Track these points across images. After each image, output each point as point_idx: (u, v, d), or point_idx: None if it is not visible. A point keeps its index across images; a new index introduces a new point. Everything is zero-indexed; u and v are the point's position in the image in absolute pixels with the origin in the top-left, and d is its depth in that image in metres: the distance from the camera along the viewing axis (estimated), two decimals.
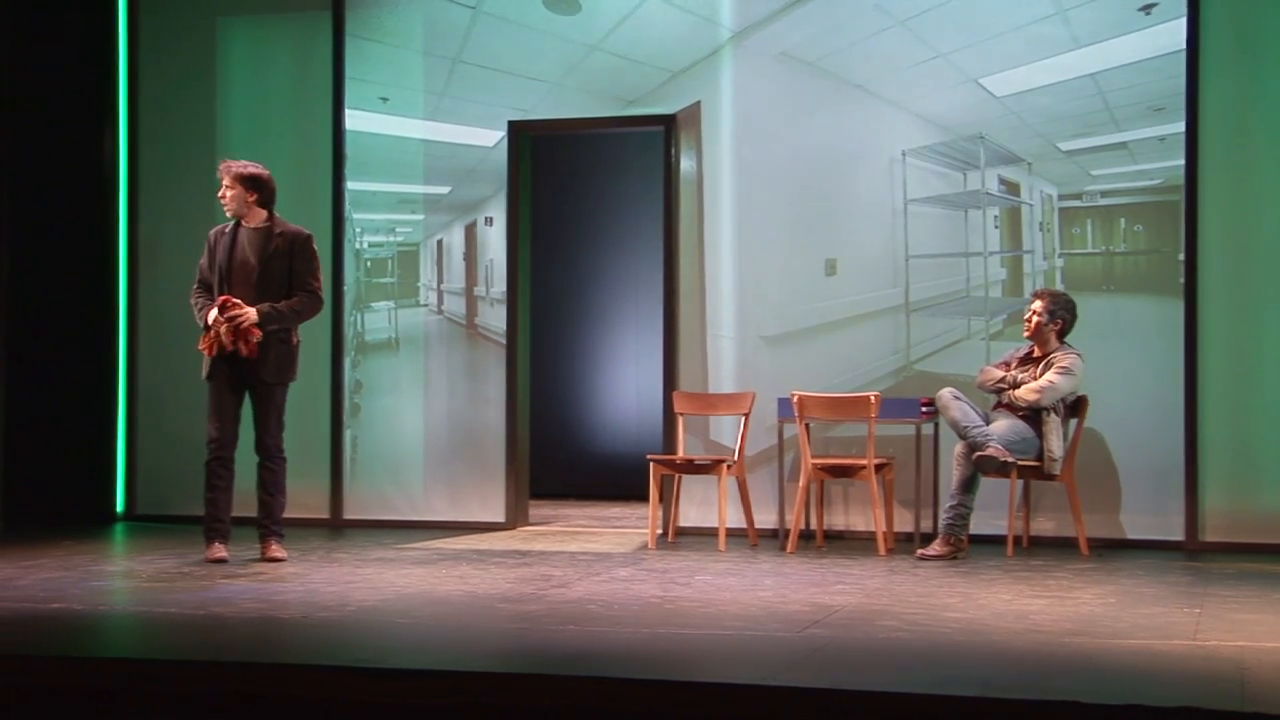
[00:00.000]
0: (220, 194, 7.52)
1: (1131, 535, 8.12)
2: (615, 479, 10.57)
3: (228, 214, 7.54)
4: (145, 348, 9.52)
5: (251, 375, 7.46)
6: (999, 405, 7.89)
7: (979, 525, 7.85)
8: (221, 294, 7.41)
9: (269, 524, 7.54)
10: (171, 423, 9.36)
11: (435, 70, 9.22)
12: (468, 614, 6.02)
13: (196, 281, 7.59)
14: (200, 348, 7.43)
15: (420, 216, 9.32)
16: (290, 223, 7.61)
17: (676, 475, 8.45)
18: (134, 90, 9.58)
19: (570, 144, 10.80)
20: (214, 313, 7.36)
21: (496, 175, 9.14)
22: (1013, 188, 8.44)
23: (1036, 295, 7.92)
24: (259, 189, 7.50)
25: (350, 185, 9.32)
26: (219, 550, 7.40)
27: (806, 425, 8.03)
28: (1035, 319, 7.81)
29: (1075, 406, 7.86)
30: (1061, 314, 7.83)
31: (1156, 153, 8.19)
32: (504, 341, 9.12)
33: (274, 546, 7.49)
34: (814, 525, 8.33)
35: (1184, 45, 8.10)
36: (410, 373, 9.30)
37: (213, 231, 7.61)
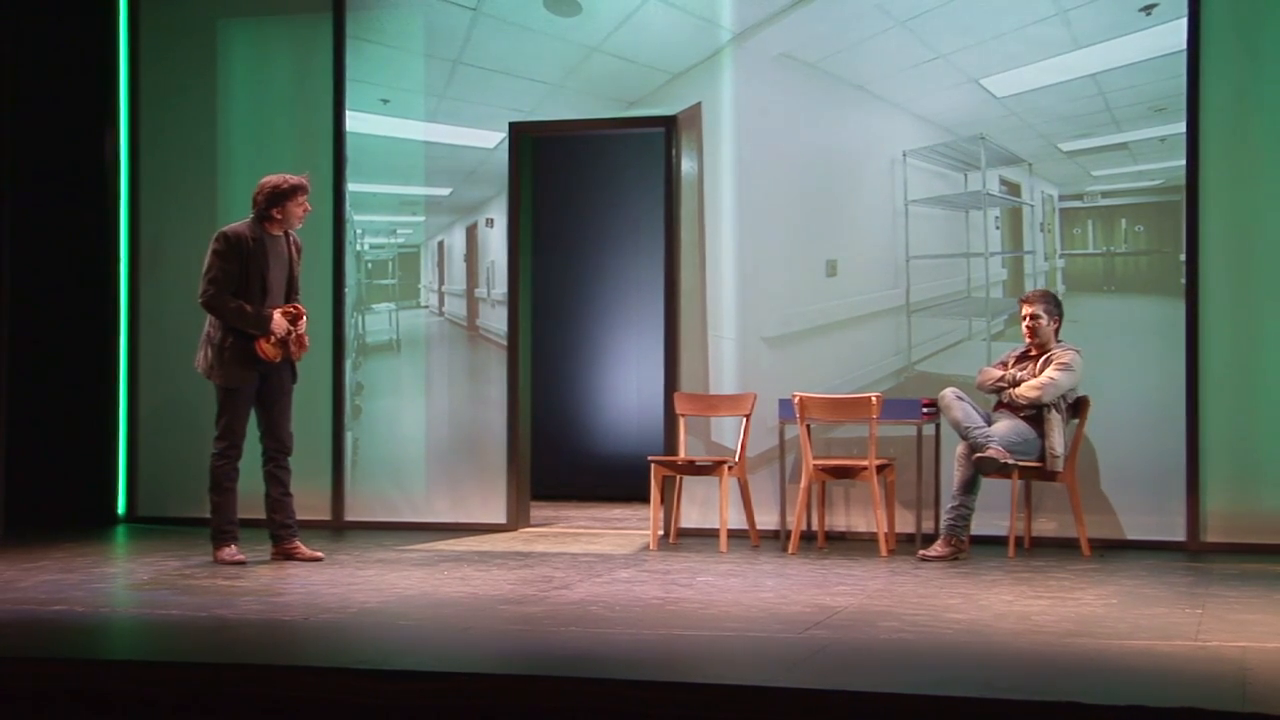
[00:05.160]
0: (306, 209, 7.58)
1: (1133, 536, 8.12)
2: (616, 480, 10.56)
3: (296, 227, 7.62)
4: (146, 349, 9.51)
5: (273, 378, 7.53)
6: (1000, 405, 7.89)
7: (980, 526, 7.85)
8: (263, 303, 7.42)
9: (293, 524, 7.61)
10: (173, 424, 9.36)
11: (436, 72, 9.22)
12: (469, 615, 6.02)
13: (221, 287, 7.39)
14: (268, 357, 7.42)
15: (421, 218, 9.32)
16: None
17: (678, 476, 8.45)
18: (135, 92, 9.58)
19: (571, 145, 10.80)
20: (282, 322, 7.41)
21: (497, 177, 9.14)
22: (1013, 188, 8.44)
23: (1025, 301, 7.86)
24: None
25: (351, 187, 9.32)
26: (239, 553, 7.46)
27: (808, 426, 8.03)
28: (1034, 323, 7.78)
29: (1077, 407, 7.86)
30: (1056, 311, 7.83)
31: (1157, 153, 8.19)
32: (505, 343, 9.12)
33: (304, 547, 7.58)
34: (815, 526, 8.33)
35: (1184, 46, 8.09)
36: (411, 374, 9.30)
37: (234, 237, 7.47)
